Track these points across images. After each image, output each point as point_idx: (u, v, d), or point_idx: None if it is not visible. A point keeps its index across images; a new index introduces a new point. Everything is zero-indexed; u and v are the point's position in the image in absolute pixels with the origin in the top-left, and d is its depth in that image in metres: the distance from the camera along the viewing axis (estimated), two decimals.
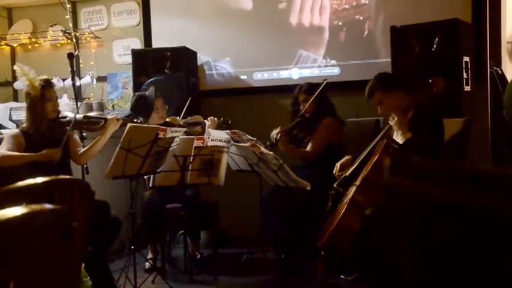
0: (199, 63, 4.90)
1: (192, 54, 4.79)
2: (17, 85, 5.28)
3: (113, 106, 5.16)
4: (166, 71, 4.58)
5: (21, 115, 4.54)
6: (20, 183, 1.51)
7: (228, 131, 3.74)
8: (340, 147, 3.94)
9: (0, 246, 1.13)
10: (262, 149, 3.48)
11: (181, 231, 3.85)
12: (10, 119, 4.61)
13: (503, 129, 4.17)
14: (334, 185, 3.31)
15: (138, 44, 5.16)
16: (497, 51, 4.35)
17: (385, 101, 3.31)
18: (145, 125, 3.77)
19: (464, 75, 3.81)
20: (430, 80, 3.17)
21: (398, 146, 3.15)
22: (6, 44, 5.49)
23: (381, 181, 2.93)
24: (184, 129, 3.56)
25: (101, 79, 5.23)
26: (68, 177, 1.79)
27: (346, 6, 4.61)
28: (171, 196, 3.85)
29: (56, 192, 1.58)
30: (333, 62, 4.66)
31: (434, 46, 3.83)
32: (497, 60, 4.34)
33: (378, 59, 4.47)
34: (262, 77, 4.87)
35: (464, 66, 3.81)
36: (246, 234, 4.37)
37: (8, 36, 5.43)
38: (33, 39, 5.41)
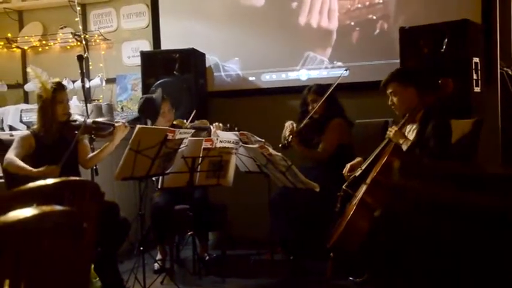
0: (207, 64, 4.91)
1: (201, 56, 4.81)
2: (27, 87, 5.32)
3: (122, 108, 5.18)
4: (175, 73, 4.59)
5: (32, 117, 4.58)
6: (31, 185, 1.52)
7: (237, 133, 3.74)
8: (350, 149, 3.93)
9: (11, 247, 1.14)
10: (271, 150, 3.48)
11: (189, 233, 3.86)
12: (21, 121, 4.65)
13: None
14: (343, 186, 3.31)
15: (147, 45, 5.18)
16: (507, 52, 4.32)
17: (398, 92, 3.31)
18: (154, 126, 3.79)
19: (474, 76, 3.79)
20: (440, 82, 3.16)
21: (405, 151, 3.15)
22: (17, 47, 5.53)
23: (390, 182, 2.92)
24: (193, 130, 3.57)
25: (110, 81, 5.25)
26: (77, 178, 1.80)
27: (359, 5, 4.60)
28: (180, 197, 3.86)
29: (66, 193, 1.59)
30: (339, 63, 4.65)
31: (444, 47, 3.81)
32: (507, 60, 4.31)
33: (386, 60, 4.45)
34: (270, 78, 4.87)
35: (474, 67, 3.79)
36: (254, 235, 4.37)
37: (18, 38, 5.47)
38: (44, 42, 5.44)
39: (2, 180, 3.58)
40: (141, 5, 5.21)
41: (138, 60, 4.88)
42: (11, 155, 3.27)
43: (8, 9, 5.46)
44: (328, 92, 3.89)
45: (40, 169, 3.16)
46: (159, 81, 4.50)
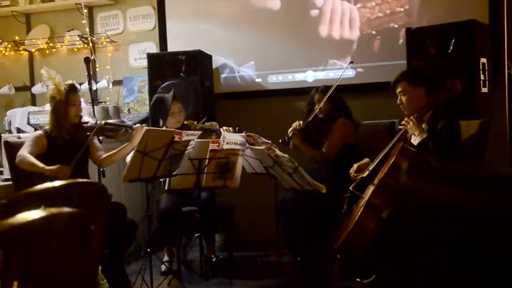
0: (214, 66, 4.92)
1: (207, 58, 4.81)
2: (35, 89, 5.35)
3: (128, 110, 5.19)
4: (181, 75, 4.60)
5: (40, 119, 4.60)
6: (39, 187, 1.52)
7: (243, 134, 3.74)
8: (356, 149, 3.92)
9: (19, 249, 1.15)
10: (278, 151, 3.48)
11: (196, 234, 3.86)
12: (28, 123, 4.67)
13: None
14: (350, 188, 3.30)
15: (153, 48, 5.19)
16: None
17: (408, 92, 3.31)
18: (163, 128, 3.80)
19: (482, 77, 3.78)
20: (448, 82, 3.16)
21: (415, 148, 3.13)
22: (25, 49, 5.56)
23: (398, 184, 2.92)
24: (200, 132, 3.57)
25: (116, 83, 5.27)
26: (85, 180, 1.81)
27: (380, 14, 4.56)
28: (187, 199, 3.86)
29: (74, 195, 1.59)
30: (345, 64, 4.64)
31: (451, 48, 3.79)
32: None
33: (393, 61, 4.44)
34: (277, 79, 4.87)
35: (481, 68, 3.77)
36: (261, 237, 4.36)
37: (26, 41, 5.50)
38: (51, 44, 5.47)
39: (10, 182, 3.60)
40: (148, 7, 5.22)
41: (144, 62, 4.89)
42: (24, 152, 3.30)
43: (15, 12, 5.49)
44: (332, 89, 3.87)
45: (52, 167, 3.18)
46: (165, 83, 4.51)
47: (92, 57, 4.92)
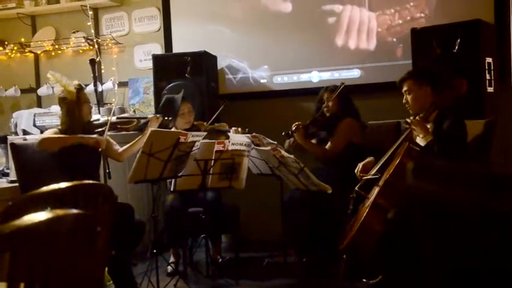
0: (219, 67, 4.92)
1: (212, 59, 4.82)
2: (41, 91, 5.37)
3: (134, 111, 5.20)
4: (186, 76, 4.60)
5: (45, 121, 4.63)
6: (45, 188, 1.53)
7: (249, 135, 3.74)
8: (361, 149, 3.91)
9: (26, 250, 1.15)
10: (283, 152, 3.48)
11: (202, 235, 3.87)
12: (34, 125, 4.69)
13: None
14: (356, 188, 3.29)
15: (158, 49, 5.20)
16: None
17: (413, 91, 3.30)
18: (172, 129, 3.82)
19: (487, 77, 3.76)
20: (454, 82, 3.15)
21: (420, 149, 3.12)
22: (30, 51, 5.58)
23: (404, 184, 2.91)
24: (205, 133, 3.57)
25: (122, 84, 5.28)
26: (91, 182, 1.81)
27: (400, 21, 4.52)
28: (193, 200, 3.87)
29: (80, 197, 1.60)
30: (350, 65, 4.63)
31: (456, 47, 3.78)
32: None
33: (398, 61, 4.43)
34: (282, 80, 4.87)
35: (487, 67, 3.76)
36: (267, 237, 4.36)
37: (31, 43, 5.52)
38: (56, 46, 5.49)
39: (17, 184, 3.62)
40: (153, 8, 5.23)
41: (150, 64, 4.90)
42: (47, 134, 3.37)
43: (21, 14, 5.52)
44: (339, 90, 3.87)
45: (91, 136, 3.31)
46: (170, 84, 4.52)
47: (98, 59, 4.94)
